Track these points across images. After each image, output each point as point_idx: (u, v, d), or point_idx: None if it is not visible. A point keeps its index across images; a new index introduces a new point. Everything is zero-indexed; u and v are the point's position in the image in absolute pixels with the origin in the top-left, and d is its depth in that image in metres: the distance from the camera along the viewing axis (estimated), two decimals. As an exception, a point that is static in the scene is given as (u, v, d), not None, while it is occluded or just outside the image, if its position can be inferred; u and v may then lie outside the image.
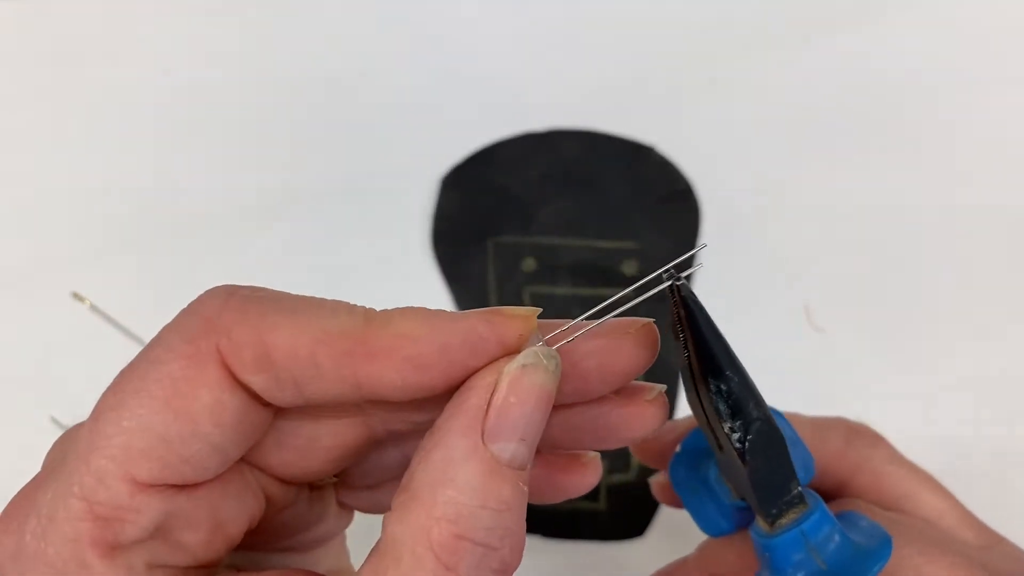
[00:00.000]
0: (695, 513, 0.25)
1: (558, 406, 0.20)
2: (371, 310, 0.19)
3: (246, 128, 0.50)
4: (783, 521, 0.22)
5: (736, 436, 0.20)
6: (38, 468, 0.20)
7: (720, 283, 0.45)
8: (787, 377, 0.45)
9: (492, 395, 0.18)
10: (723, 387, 0.20)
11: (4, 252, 0.48)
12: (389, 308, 0.19)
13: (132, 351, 0.18)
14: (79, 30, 0.51)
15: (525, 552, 0.19)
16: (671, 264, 0.19)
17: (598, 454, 0.23)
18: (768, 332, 0.45)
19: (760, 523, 0.22)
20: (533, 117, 0.49)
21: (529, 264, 0.47)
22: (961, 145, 0.49)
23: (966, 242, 0.47)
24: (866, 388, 0.45)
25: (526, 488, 0.18)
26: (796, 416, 0.28)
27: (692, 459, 0.26)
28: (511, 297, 0.46)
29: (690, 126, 0.49)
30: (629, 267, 0.47)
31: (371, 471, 0.23)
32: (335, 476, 0.23)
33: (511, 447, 0.18)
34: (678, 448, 0.26)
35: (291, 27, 0.52)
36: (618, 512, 0.42)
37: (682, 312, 0.19)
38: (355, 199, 0.48)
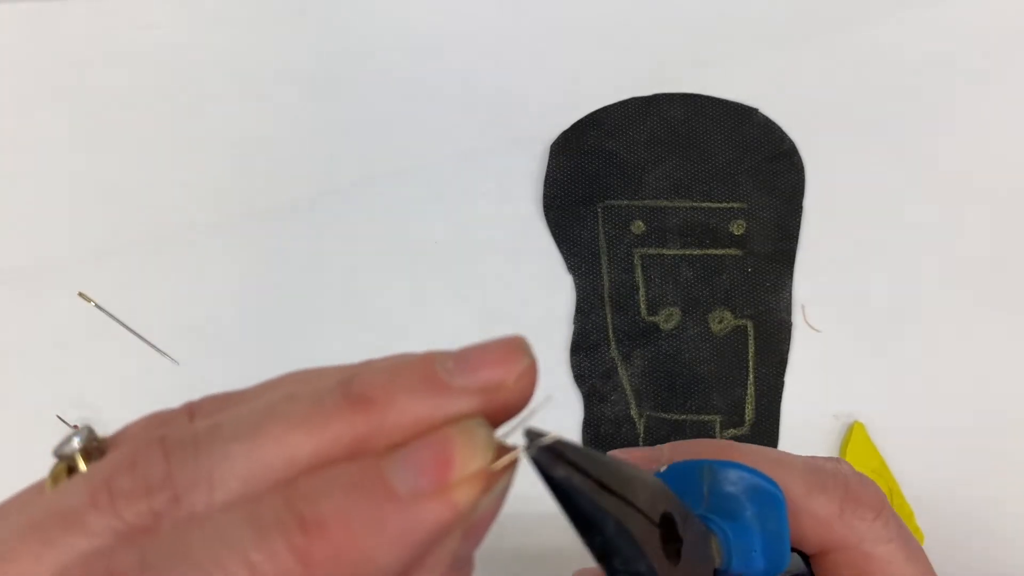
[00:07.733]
0: None
1: None
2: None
3: (268, 124, 0.50)
4: None
5: None
6: (43, 466, 0.20)
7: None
8: (785, 376, 0.47)
9: None
10: (588, 542, 0.20)
11: (11, 252, 0.48)
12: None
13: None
14: (81, 31, 0.50)
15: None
16: (521, 424, 0.19)
17: None
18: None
19: None
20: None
21: (638, 226, 0.48)
22: (959, 145, 0.49)
23: (964, 241, 0.48)
24: (863, 388, 0.47)
25: None
26: (791, 462, 0.26)
27: None
28: (621, 259, 0.48)
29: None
30: (737, 227, 0.48)
31: None
32: None
33: None
34: None
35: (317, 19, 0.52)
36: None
37: (545, 481, 0.19)
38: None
